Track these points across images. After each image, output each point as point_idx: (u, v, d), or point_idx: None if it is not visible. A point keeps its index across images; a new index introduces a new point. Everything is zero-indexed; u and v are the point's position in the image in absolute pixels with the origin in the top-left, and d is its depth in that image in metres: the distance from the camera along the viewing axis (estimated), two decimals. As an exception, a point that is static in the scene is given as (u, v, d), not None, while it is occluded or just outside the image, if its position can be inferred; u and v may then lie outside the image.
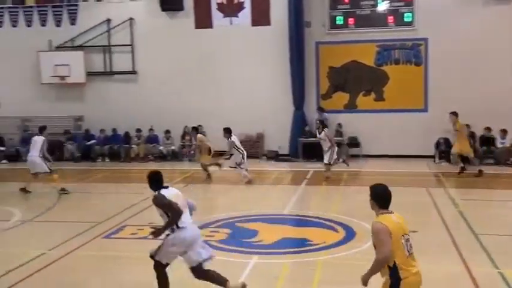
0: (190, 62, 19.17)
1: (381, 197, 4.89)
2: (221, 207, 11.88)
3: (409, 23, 18.17)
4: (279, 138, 18.88)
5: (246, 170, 14.56)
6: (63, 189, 13.40)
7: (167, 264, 6.45)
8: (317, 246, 8.81)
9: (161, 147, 19.07)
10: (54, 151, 19.41)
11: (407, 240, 4.76)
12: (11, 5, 20.23)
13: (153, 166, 17.74)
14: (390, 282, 4.70)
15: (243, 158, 14.42)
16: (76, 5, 19.93)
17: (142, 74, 19.71)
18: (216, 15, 19.12)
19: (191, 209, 6.54)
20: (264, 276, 7.61)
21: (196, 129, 16.19)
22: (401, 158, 17.71)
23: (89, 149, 19.37)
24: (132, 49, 19.67)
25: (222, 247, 8.80)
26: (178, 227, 6.22)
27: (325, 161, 14.42)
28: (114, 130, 19.46)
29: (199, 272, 6.37)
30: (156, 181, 6.40)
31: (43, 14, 20.09)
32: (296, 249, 8.94)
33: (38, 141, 13.30)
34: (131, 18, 19.56)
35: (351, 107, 18.84)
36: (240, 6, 19.00)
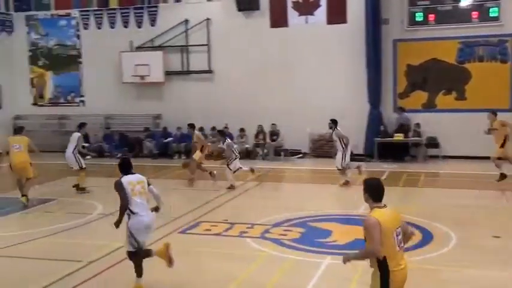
0: (265, 61, 19.26)
1: (374, 191, 4.94)
2: (293, 206, 11.81)
3: (495, 18, 17.28)
4: (353, 138, 18.51)
5: (234, 172, 13.83)
6: (82, 189, 13.45)
7: (140, 251, 6.90)
8: (393, 249, 8.56)
9: (235, 145, 19.25)
10: (134, 148, 20.23)
11: (398, 234, 4.84)
12: (96, 8, 21.19)
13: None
14: (380, 274, 4.80)
15: (235, 160, 13.84)
16: (156, 7, 20.57)
17: (218, 73, 20.02)
18: (292, 14, 19.09)
19: (156, 198, 7.13)
20: (337, 278, 7.49)
21: (192, 126, 15.17)
22: (483, 160, 16.89)
23: (166, 146, 19.94)
24: (209, 49, 20.03)
25: (295, 246, 8.76)
26: (132, 213, 6.76)
27: (338, 166, 13.73)
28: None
29: (136, 253, 6.92)
30: (122, 166, 7.08)
31: (125, 16, 20.90)
32: (370, 251, 8.72)
33: (74, 137, 13.60)
34: (208, 19, 19.92)
35: (429, 106, 18.20)
36: (316, 4, 18.86)
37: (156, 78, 20.15)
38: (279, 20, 19.20)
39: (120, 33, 20.79)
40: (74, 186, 13.61)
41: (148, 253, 7.05)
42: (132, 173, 7.09)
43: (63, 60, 21.78)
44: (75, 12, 21.39)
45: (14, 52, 21.89)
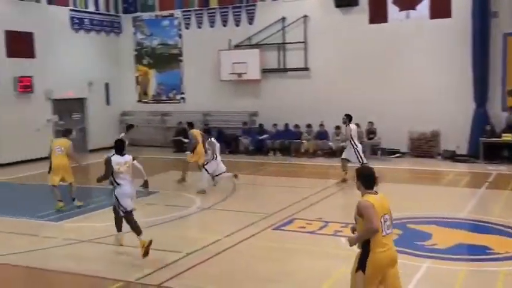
0: (363, 58, 18.86)
1: (366, 179, 5.35)
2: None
3: None
4: (456, 137, 17.67)
5: (216, 175, 13.29)
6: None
7: (130, 212, 8.54)
8: (499, 256, 8.06)
9: (331, 143, 19.08)
10: (231, 144, 20.66)
11: (386, 220, 5.18)
12: (197, 8, 21.87)
13: (322, 162, 17.87)
14: (361, 252, 5.20)
15: (214, 161, 13.16)
16: (254, 5, 20.83)
17: (314, 70, 19.90)
18: (392, 9, 18.51)
19: (138, 171, 9.45)
20: (437, 283, 7.17)
21: (191, 125, 14.75)
22: None
23: (261, 143, 20.16)
24: (305, 46, 19.96)
25: (392, 248, 8.50)
26: (117, 183, 8.44)
27: (357, 161, 13.15)
28: (286, 125, 19.99)
29: (126, 217, 8.60)
30: (116, 147, 8.66)
31: (224, 15, 21.37)
32: (474, 257, 8.28)
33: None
34: (305, 16, 19.85)
35: (543, 105, 16.91)
36: (419, -1, 18.16)
37: (253, 75, 20.42)
38: (378, 15, 18.70)
39: (219, 32, 21.29)
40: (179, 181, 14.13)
41: (137, 230, 8.44)
42: (123, 154, 8.62)
43: (165, 59, 22.70)
44: (177, 13, 22.21)
45: (121, 52, 23.14)
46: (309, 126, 19.56)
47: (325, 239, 9.18)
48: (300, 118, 19.64)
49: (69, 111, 20.98)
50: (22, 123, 17.95)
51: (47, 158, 12.06)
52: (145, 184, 10.19)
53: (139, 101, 23.37)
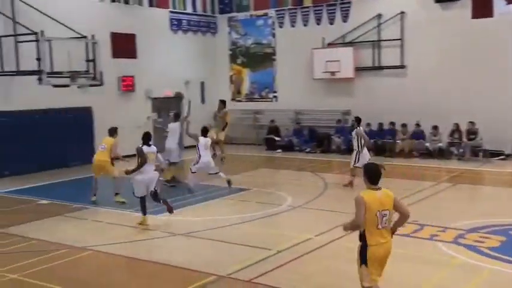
0: (463, 54, 17.97)
1: (371, 174, 5.60)
2: (491, 212, 10.82)
3: None
4: None
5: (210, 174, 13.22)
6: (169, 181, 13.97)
7: (145, 196, 10.23)
8: None
9: (427, 144, 18.36)
10: (323, 143, 20.51)
11: (384, 215, 5.46)
12: (291, 7, 21.92)
13: (417, 163, 17.24)
14: (361, 246, 5.60)
15: (200, 163, 12.92)
16: (349, 3, 20.52)
17: (411, 68, 19.24)
18: (498, 3, 17.44)
19: (159, 161, 10.69)
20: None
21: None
22: None
23: (354, 143, 19.78)
24: (402, 43, 19.36)
25: (493, 255, 8.03)
26: (141, 172, 10.11)
27: (356, 164, 12.97)
28: (380, 124, 19.51)
29: (153, 197, 10.35)
30: (144, 138, 10.38)
31: (318, 13, 21.24)
32: None
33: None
34: (402, 12, 19.24)
35: None
36: (531, -10, 16.98)
37: (346, 74, 20.13)
38: (482, 9, 17.70)
39: (313, 30, 21.20)
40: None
41: (143, 211, 10.31)
42: (150, 145, 10.34)
43: (259, 58, 22.98)
44: (271, 12, 22.39)
45: (217, 51, 23.72)
46: (404, 125, 18.96)
47: (420, 243, 8.85)
48: (394, 117, 19.08)
49: (166, 109, 21.84)
50: (124, 121, 18.90)
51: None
52: (157, 168, 10.72)
53: (233, 99, 23.83)
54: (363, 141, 13.32)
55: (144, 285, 7.51)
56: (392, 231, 5.71)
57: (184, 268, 7.87)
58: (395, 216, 5.72)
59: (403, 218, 5.70)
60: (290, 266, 7.91)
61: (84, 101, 17.61)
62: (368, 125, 19.60)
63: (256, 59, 23.03)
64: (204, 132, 13.30)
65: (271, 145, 21.09)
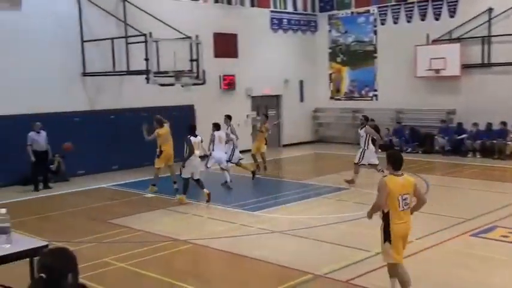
0: None
1: (395, 161, 6.25)
2: None
3: None
4: None
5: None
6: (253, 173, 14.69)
7: (190, 178, 12.01)
8: None
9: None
10: (425, 143, 19.75)
11: (404, 199, 6.11)
12: (394, 3, 21.30)
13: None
14: (383, 224, 6.28)
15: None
16: (457, -3, 19.58)
17: (525, 65, 17.98)
18: None
19: (202, 148, 12.60)
20: None
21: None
22: None
23: (459, 143, 18.88)
24: (515, 38, 18.15)
25: None
26: (190, 158, 11.83)
27: (360, 161, 13.34)
28: (488, 125, 18.40)
29: (197, 182, 12.08)
30: (190, 129, 12.30)
31: (423, 8, 20.46)
32: None
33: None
34: (517, 5, 18.04)
35: None
36: None
37: (452, 71, 19.20)
38: None
39: (416, 26, 20.46)
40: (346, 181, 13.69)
41: (185, 190, 12.11)
42: (196, 135, 12.21)
43: (359, 56, 22.57)
44: (373, 9, 21.90)
45: (316, 50, 23.63)
46: (515, 126, 17.77)
47: (471, 241, 8.28)
48: (505, 117, 17.93)
49: (265, 108, 22.13)
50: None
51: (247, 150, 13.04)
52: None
53: (332, 98, 23.62)
54: (372, 139, 13.51)
55: (242, 279, 7.66)
56: (410, 213, 6.30)
57: (281, 265, 7.93)
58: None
59: (420, 203, 6.38)
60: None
61: (187, 99, 18.31)
62: (475, 124, 18.61)
63: (356, 57, 22.65)
64: (217, 127, 13.97)
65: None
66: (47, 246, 4.81)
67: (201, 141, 12.44)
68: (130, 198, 13.01)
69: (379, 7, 21.69)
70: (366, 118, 14.13)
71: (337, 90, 23.49)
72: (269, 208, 11.59)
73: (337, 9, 23.07)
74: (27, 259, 4.78)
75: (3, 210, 4.71)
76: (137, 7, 16.75)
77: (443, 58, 19.21)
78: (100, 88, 16.83)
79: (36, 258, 4.57)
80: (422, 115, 20.48)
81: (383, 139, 13.62)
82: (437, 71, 19.45)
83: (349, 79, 23.07)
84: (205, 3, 19.52)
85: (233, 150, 14.44)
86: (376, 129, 13.36)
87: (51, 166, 15.07)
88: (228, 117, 14.87)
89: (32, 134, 13.86)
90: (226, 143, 14.16)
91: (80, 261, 3.13)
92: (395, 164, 6.21)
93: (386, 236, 6.22)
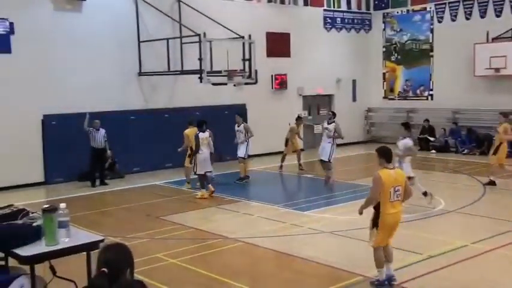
0: None
1: (387, 155, 6.80)
2: None
3: None
4: None
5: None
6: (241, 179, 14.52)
7: (205, 174, 12.66)
8: None
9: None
10: (483, 144, 19.09)
11: (396, 190, 6.66)
12: (452, 0, 20.71)
13: None
14: (374, 212, 6.86)
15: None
16: (518, -7, 18.82)
17: None
18: None
19: (210, 145, 12.69)
20: None
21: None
22: None
23: (520, 145, 18.13)
24: None
25: None
26: (198, 152, 12.45)
27: (324, 158, 13.54)
28: (551, 126, 17.60)
29: (202, 177, 12.64)
30: (199, 125, 12.68)
31: (483, 5, 19.78)
32: None
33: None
34: None
35: None
36: None
37: (513, 70, 18.49)
38: None
39: (476, 24, 19.81)
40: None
41: (201, 185, 12.73)
42: (203, 131, 12.57)
43: (415, 55, 22.07)
44: (430, 6, 21.36)
45: (370, 49, 23.28)
46: None
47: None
48: None
49: (317, 107, 22.03)
50: (276, 118, 19.39)
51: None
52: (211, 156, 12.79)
53: (385, 97, 23.22)
54: (337, 135, 13.78)
55: (291, 279, 7.67)
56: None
57: (331, 266, 7.88)
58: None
59: (407, 195, 6.91)
60: (442, 272, 7.50)
61: (239, 99, 18.46)
62: (537, 126, 17.80)
63: (411, 55, 22.17)
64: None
65: (425, 145, 20.15)
66: (103, 240, 4.98)
67: (210, 136, 12.69)
68: (182, 196, 13.25)
69: (436, 4, 21.14)
70: (334, 114, 14.32)
71: (391, 90, 23.07)
72: (319, 208, 11.54)
73: (392, 7, 22.64)
74: (84, 253, 4.96)
75: (63, 205, 4.90)
76: (191, 7, 17.02)
77: (504, 56, 18.51)
78: (155, 87, 17.23)
79: (92, 252, 4.75)
80: (480, 115, 19.82)
81: (341, 136, 13.99)
82: (497, 69, 18.76)
83: (403, 78, 22.61)
84: (258, 3, 19.61)
85: (247, 147, 14.49)
86: (407, 126, 12.71)
87: (106, 164, 15.54)
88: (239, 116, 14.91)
89: (91, 130, 14.38)
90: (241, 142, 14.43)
91: (134, 257, 3.23)
92: (387, 157, 6.77)
93: (374, 223, 6.85)
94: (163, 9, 16.68)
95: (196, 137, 12.53)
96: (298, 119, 16.87)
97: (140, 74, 16.77)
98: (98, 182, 14.66)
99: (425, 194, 11.20)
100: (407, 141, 11.24)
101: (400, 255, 8.19)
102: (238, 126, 14.52)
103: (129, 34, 16.44)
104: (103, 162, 14.88)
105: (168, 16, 16.75)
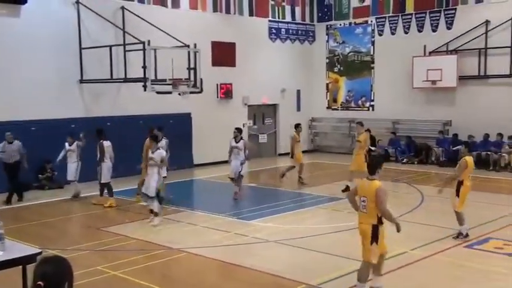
0: None
1: (368, 166, 6.91)
2: None
3: None
4: None
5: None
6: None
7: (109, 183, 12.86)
8: None
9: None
10: (421, 153, 19.78)
11: (363, 201, 6.69)
12: (392, 14, 21.40)
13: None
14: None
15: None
16: (454, 9, 19.67)
17: (521, 77, 18.09)
18: None
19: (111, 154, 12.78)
20: None
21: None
22: None
23: (455, 154, 18.90)
24: None
25: None
26: (104, 161, 12.61)
27: (232, 175, 13.25)
28: (485, 136, 18.47)
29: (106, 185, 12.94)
30: (99, 133, 12.49)
31: (421, 20, 20.57)
32: None
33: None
34: (513, 18, 18.16)
35: None
36: None
37: (448, 83, 19.29)
38: None
39: (414, 38, 20.56)
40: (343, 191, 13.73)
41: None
42: (106, 139, 12.76)
43: (356, 66, 22.67)
44: (371, 20, 22.01)
45: (314, 59, 23.71)
46: (511, 138, 17.82)
47: (470, 253, 8.29)
48: (501, 129, 18.01)
49: (262, 117, 22.19)
50: (220, 127, 19.36)
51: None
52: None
53: (329, 107, 23.68)
54: (247, 152, 13.58)
55: (235, 289, 7.65)
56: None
57: (275, 275, 7.91)
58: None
59: (379, 211, 6.65)
60: (382, 279, 7.68)
61: (184, 107, 18.33)
62: (470, 137, 18.65)
63: (353, 67, 22.75)
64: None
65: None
66: (40, 253, 4.80)
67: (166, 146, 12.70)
68: (125, 206, 12.98)
69: (377, 18, 21.81)
70: (240, 130, 13.69)
71: (334, 100, 23.56)
72: (264, 217, 11.58)
73: (335, 20, 23.18)
74: (20, 266, 4.77)
75: (-4, 217, 4.70)
76: (136, 15, 16.81)
77: (439, 69, 19.30)
78: (97, 95, 16.85)
79: (29, 266, 4.58)
80: (418, 126, 20.55)
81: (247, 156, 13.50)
82: (433, 82, 19.54)
83: (346, 89, 23.15)
84: (203, 12, 19.59)
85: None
86: (372, 139, 13.20)
87: (41, 175, 14.93)
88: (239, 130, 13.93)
89: (1, 145, 13.22)
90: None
91: (73, 269, 3.13)
92: (368, 168, 6.85)
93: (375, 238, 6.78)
94: (107, 16, 16.39)
95: (101, 145, 12.52)
96: (297, 126, 16.24)
97: (82, 81, 16.36)
98: (15, 197, 13.32)
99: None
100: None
101: (340, 263, 8.34)
102: (236, 142, 13.42)
103: (70, 40, 16.03)
104: (15, 177, 13.40)
105: (111, 23, 16.47)
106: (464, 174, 9.60)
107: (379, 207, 6.56)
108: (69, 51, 16.02)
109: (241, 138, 13.61)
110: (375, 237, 6.62)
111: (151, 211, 11.01)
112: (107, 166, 12.75)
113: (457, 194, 9.57)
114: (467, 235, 9.52)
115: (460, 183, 9.56)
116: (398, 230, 6.69)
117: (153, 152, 10.90)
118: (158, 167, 10.83)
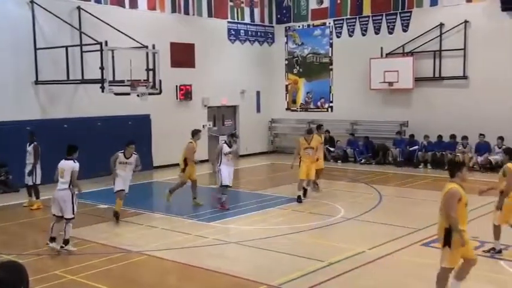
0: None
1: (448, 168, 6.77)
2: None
3: None
4: None
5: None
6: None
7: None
8: None
9: (495, 157, 17.50)
10: (378, 154, 20.16)
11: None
12: (349, 16, 21.72)
13: (480, 177, 16.64)
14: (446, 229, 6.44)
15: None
16: (409, 12, 20.13)
17: (474, 78, 18.65)
18: None
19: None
20: None
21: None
22: None
23: (411, 155, 19.37)
24: (465, 53, 18.80)
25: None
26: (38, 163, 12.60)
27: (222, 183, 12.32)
28: (439, 137, 18.98)
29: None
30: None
31: (377, 22, 20.96)
32: None
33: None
34: (466, 21, 18.69)
35: None
36: None
37: (405, 84, 19.72)
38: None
39: (371, 40, 20.94)
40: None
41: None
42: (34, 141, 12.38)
43: (315, 68, 22.90)
44: (329, 22, 22.28)
45: (273, 61, 23.82)
46: (464, 138, 18.36)
47: (480, 261, 8.50)
48: (455, 129, 18.53)
49: (222, 118, 22.14)
50: (180, 129, 19.19)
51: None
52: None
53: (288, 109, 23.84)
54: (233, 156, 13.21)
55: (196, 291, 7.60)
56: None
57: (236, 276, 7.91)
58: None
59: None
60: (342, 278, 7.79)
61: (143, 109, 18.11)
62: (426, 137, 19.14)
63: (312, 68, 22.97)
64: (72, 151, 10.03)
65: (325, 156, 20.88)
66: (-7, 259, 4.64)
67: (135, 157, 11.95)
68: (83, 209, 12.70)
69: (335, 20, 22.09)
70: (234, 135, 13.14)
71: (293, 102, 23.73)
72: (225, 218, 11.56)
73: (294, 22, 23.36)
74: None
75: None
76: (92, 15, 16.51)
77: (396, 71, 19.71)
78: (53, 96, 16.46)
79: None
80: (376, 127, 20.92)
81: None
82: (390, 83, 19.93)
83: (305, 90, 23.35)
84: (162, 13, 19.41)
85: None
86: (331, 140, 13.23)
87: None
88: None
89: None
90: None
91: (29, 275, 3.04)
92: (448, 171, 6.80)
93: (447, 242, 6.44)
94: (62, 16, 16.03)
95: (36, 149, 12.66)
96: (319, 127, 15.14)
97: (37, 82, 15.94)
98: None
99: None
100: None
101: (301, 263, 8.41)
102: (230, 147, 12.62)
103: (24, 40, 15.60)
104: None
105: (67, 23, 16.11)
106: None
107: (444, 210, 6.40)
108: (24, 52, 15.59)
109: (235, 142, 13.14)
110: (447, 240, 6.37)
111: (116, 213, 11.17)
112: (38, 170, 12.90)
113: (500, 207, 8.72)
114: (500, 251, 8.79)
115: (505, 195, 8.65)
116: (462, 244, 6.27)
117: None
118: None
